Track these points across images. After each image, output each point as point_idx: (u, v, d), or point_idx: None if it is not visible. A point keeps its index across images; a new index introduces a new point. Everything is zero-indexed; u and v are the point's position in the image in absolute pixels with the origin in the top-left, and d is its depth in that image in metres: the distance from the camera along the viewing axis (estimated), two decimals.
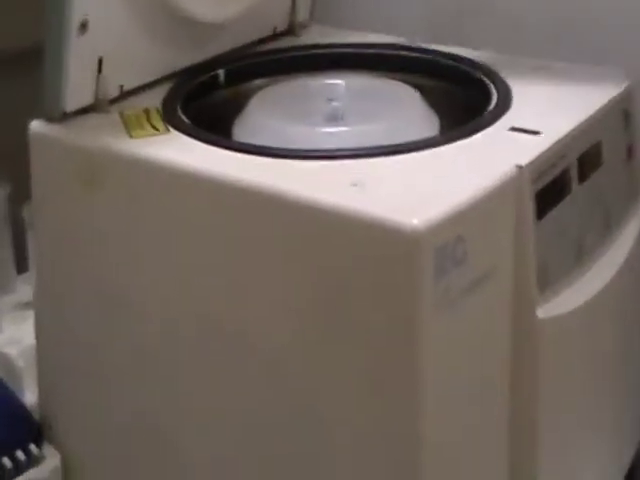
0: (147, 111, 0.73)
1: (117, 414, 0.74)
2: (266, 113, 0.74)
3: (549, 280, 0.66)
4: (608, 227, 0.72)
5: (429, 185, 0.62)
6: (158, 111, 0.74)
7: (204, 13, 0.79)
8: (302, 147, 0.69)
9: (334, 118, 0.75)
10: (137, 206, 0.69)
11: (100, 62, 0.72)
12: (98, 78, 0.72)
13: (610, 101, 0.73)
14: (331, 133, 0.72)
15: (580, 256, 0.69)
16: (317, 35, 0.90)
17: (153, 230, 0.69)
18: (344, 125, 0.73)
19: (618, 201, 0.74)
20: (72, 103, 0.71)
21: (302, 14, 0.91)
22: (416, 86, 0.81)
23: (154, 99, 0.76)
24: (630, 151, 0.76)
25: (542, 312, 0.65)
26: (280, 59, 0.85)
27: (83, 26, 0.70)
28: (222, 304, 0.66)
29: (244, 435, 0.67)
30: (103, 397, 0.75)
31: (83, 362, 0.75)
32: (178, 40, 0.79)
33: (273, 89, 0.79)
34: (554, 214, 0.66)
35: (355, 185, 0.62)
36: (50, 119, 0.71)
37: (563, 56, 0.79)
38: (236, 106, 0.81)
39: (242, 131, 0.75)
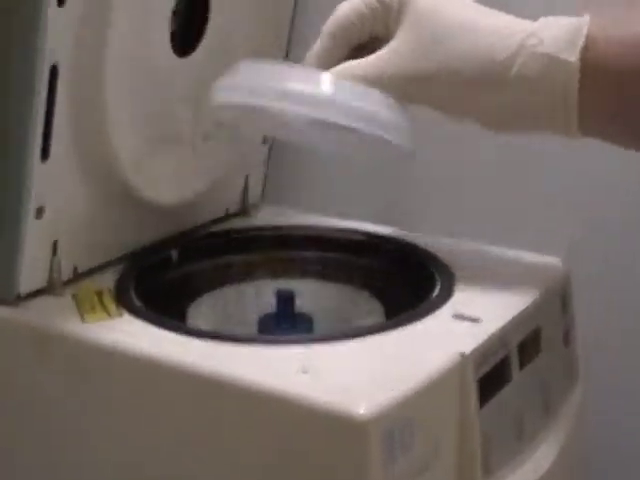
0: (100, 293, 0.75)
1: None
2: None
3: (492, 464, 0.67)
4: (548, 411, 0.74)
5: (376, 372, 0.64)
6: (111, 292, 0.75)
7: (159, 197, 0.81)
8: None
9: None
10: (88, 388, 0.69)
11: (55, 245, 0.74)
12: (52, 260, 0.74)
13: (549, 289, 0.76)
14: None
15: (522, 440, 0.71)
16: (269, 216, 0.93)
17: (104, 411, 0.69)
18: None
19: (557, 385, 0.76)
20: (26, 286, 0.73)
21: (254, 196, 0.95)
22: (362, 267, 0.85)
23: (108, 280, 0.78)
24: (567, 336, 0.78)
25: None
26: (232, 240, 0.88)
27: (39, 211, 0.72)
28: None
29: None
30: None
31: None
32: (133, 222, 0.81)
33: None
34: (496, 400, 0.68)
35: (305, 372, 0.63)
36: (2, 302, 0.72)
37: (503, 241, 0.83)
38: (189, 286, 0.84)
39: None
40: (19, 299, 0.73)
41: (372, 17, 0.72)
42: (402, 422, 0.61)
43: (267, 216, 0.93)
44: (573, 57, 0.66)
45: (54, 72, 0.68)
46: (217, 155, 0.87)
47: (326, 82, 0.69)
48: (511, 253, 0.80)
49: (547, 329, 0.75)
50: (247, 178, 0.93)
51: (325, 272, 0.86)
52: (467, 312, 0.71)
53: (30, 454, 0.73)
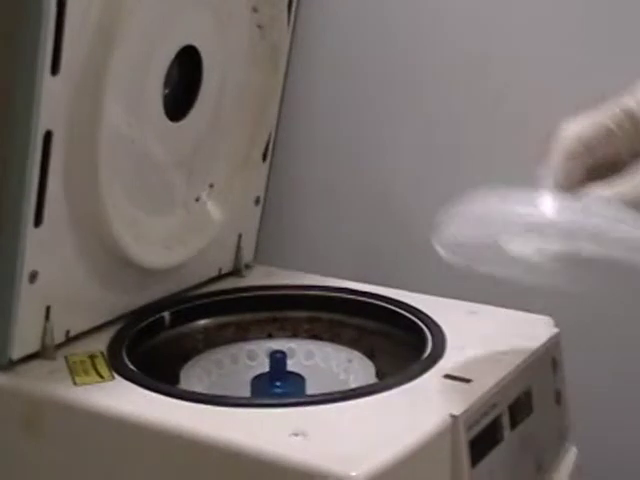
0: (92, 357, 0.75)
1: None
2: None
3: None
4: (540, 470, 0.74)
5: (368, 434, 0.64)
6: (103, 355, 0.76)
7: (152, 260, 0.82)
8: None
9: None
10: (81, 453, 0.69)
11: (48, 309, 0.75)
12: (45, 325, 0.74)
13: (539, 349, 0.76)
14: None
15: None
16: (261, 276, 0.94)
17: (96, 476, 0.69)
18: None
19: (549, 445, 0.76)
20: (18, 351, 0.73)
21: (246, 256, 0.95)
22: (354, 327, 0.86)
23: (100, 342, 0.78)
24: (558, 396, 0.78)
25: None
26: (224, 300, 0.88)
27: (33, 276, 0.72)
28: None
29: None
30: None
31: None
32: (125, 285, 0.82)
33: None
34: (488, 461, 0.68)
35: (296, 434, 0.63)
36: None
37: (494, 300, 0.83)
38: (182, 348, 0.84)
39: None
40: (11, 364, 0.73)
41: (619, 134, 0.64)
42: None
43: (260, 276, 0.94)
44: None
45: (48, 138, 0.69)
46: (209, 217, 0.88)
47: (590, 208, 0.60)
48: (501, 312, 0.81)
49: (538, 389, 0.75)
50: (240, 238, 0.94)
51: (317, 331, 0.87)
52: (458, 373, 0.71)
53: None
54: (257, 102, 0.90)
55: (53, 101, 0.69)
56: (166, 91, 0.81)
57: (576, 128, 0.65)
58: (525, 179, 0.66)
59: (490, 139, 0.94)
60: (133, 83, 0.77)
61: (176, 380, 0.78)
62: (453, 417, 0.66)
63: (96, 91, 0.72)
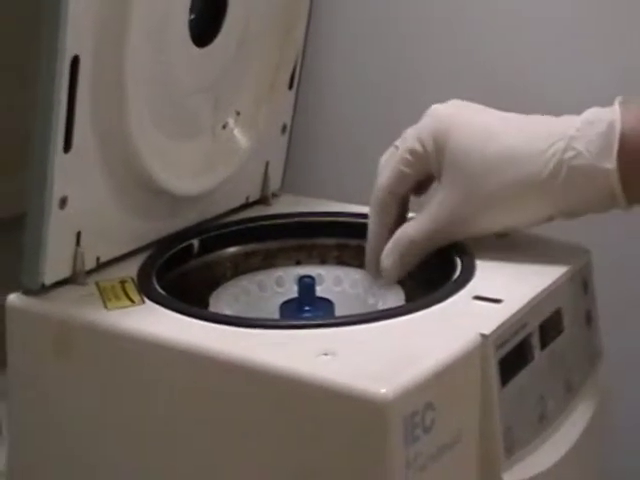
0: (123, 282, 0.76)
1: None
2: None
3: (514, 445, 0.67)
4: (570, 391, 0.74)
5: (397, 353, 0.65)
6: (134, 281, 0.76)
7: (180, 187, 0.82)
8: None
9: None
10: (111, 376, 0.70)
11: (78, 235, 0.75)
12: (76, 251, 0.75)
13: (570, 270, 0.76)
14: None
15: (543, 421, 0.71)
16: (288, 204, 0.94)
17: (126, 400, 0.70)
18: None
19: (579, 366, 0.77)
20: (50, 276, 0.73)
21: (274, 184, 0.95)
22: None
23: (130, 269, 0.78)
24: (589, 317, 0.79)
25: (508, 476, 0.66)
26: (252, 228, 0.89)
27: (63, 202, 0.73)
28: (194, 475, 0.67)
29: None
30: None
31: None
32: (154, 212, 0.82)
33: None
34: (517, 380, 0.68)
35: (325, 354, 0.64)
36: (27, 292, 0.73)
37: None
38: (210, 275, 0.85)
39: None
40: (43, 289, 0.74)
41: (415, 171, 0.77)
42: (423, 402, 0.61)
43: (287, 204, 0.94)
44: (610, 164, 0.70)
45: (75, 63, 0.69)
46: (237, 144, 0.88)
47: None
48: (531, 235, 0.80)
49: (568, 309, 0.75)
50: (267, 166, 0.94)
51: (345, 258, 0.87)
52: (488, 293, 0.71)
53: (56, 450, 0.74)
54: (283, 27, 0.89)
55: (79, 25, 0.68)
56: (192, 16, 0.80)
57: (382, 180, 0.78)
58: None
59: None
60: (158, 8, 0.76)
61: (205, 307, 0.79)
62: (483, 336, 0.66)
63: (121, 15, 0.72)
